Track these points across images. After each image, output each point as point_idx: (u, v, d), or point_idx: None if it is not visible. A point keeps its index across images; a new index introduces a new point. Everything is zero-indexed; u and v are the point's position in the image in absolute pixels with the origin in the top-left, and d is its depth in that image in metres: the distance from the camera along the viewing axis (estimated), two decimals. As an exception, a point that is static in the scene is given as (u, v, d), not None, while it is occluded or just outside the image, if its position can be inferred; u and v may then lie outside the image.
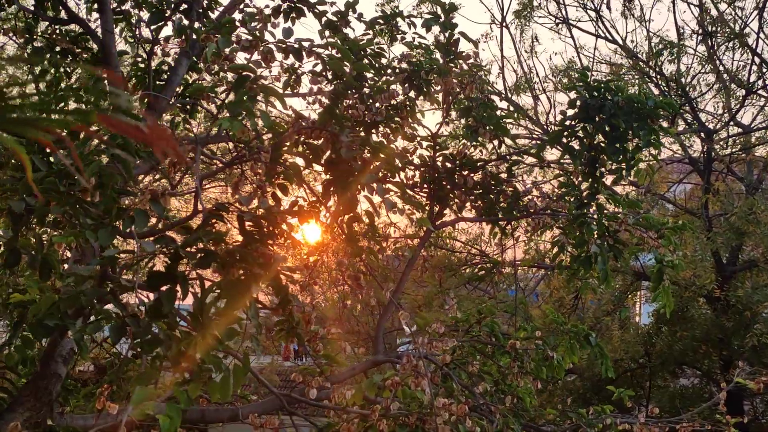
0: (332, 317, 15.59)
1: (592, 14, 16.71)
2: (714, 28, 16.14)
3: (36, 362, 5.49)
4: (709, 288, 14.16)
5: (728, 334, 14.22)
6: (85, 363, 10.33)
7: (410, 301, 15.74)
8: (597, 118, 5.74)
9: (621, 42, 16.70)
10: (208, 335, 3.68)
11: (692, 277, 14.00)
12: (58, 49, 6.51)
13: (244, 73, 4.27)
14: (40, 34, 6.50)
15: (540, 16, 17.18)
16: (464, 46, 6.11)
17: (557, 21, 17.07)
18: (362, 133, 5.34)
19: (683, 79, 16.19)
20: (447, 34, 5.96)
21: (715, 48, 16.28)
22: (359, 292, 5.13)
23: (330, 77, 5.63)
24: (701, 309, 15.40)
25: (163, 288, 3.74)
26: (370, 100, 5.46)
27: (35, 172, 3.99)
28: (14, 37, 6.46)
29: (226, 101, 4.50)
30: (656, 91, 15.88)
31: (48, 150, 4.55)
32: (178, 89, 6.34)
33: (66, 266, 4.67)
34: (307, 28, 7.91)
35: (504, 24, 16.91)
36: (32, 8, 6.26)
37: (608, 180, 6.10)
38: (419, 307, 15.35)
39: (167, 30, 6.19)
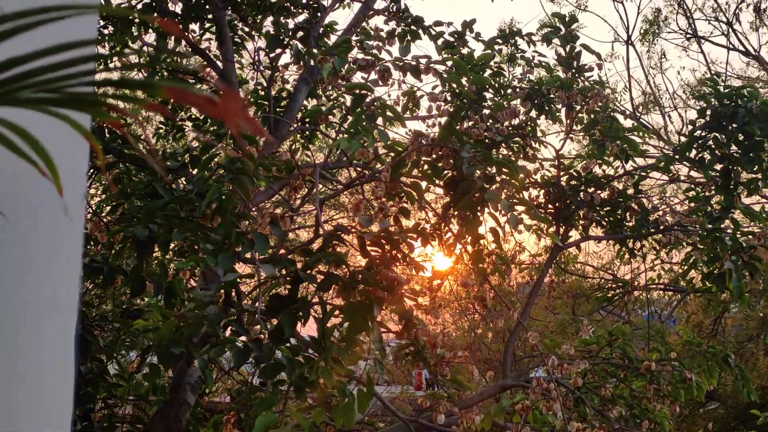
0: (463, 345, 15.48)
1: (724, 27, 16.18)
2: None
3: (166, 391, 5.55)
4: None
5: None
6: (221, 394, 10.49)
7: (542, 327, 15.43)
8: (729, 127, 5.47)
9: (755, 53, 16.09)
10: (331, 360, 3.61)
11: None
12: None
13: (362, 92, 4.23)
14: (162, 67, 6.64)
15: (668, 32, 16.74)
16: (587, 60, 5.92)
17: (687, 35, 16.58)
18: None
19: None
20: (568, 48, 5.80)
21: None
22: (485, 314, 4.99)
23: (449, 98, 5.54)
24: None
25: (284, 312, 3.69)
26: (490, 120, 5.35)
27: (157, 199, 4.02)
28: (141, 72, 6.63)
29: (345, 124, 4.47)
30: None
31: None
32: (298, 115, 6.37)
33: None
34: (423, 50, 7.87)
35: (629, 42, 16.54)
36: (155, 43, 6.40)
37: (743, 193, 5.81)
38: (552, 334, 15.04)
39: (286, 57, 6.24)
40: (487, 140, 5.32)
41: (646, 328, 8.93)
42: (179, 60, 6.83)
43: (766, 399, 13.87)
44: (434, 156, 4.31)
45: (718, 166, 5.72)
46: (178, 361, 4.25)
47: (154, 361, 5.11)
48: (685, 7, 16.48)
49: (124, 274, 4.38)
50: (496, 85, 6.05)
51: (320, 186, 4.31)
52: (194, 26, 6.80)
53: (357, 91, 4.19)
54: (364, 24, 6.23)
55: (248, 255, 3.84)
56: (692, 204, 6.14)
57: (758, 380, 13.82)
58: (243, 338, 3.80)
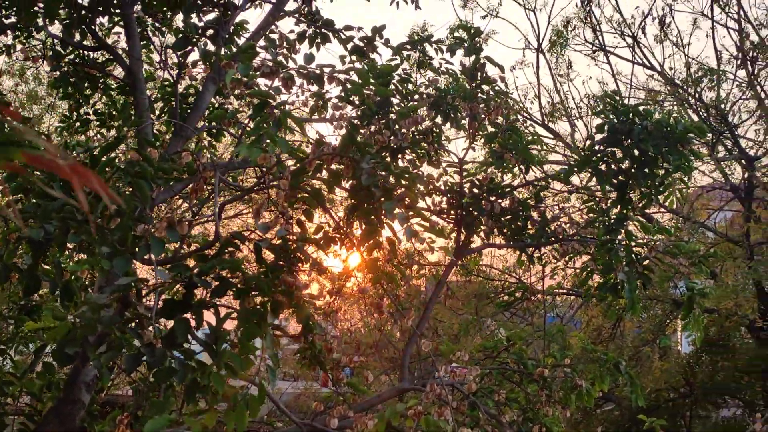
0: (369, 344, 15.56)
1: (629, 40, 16.60)
2: (755, 54, 15.95)
3: (60, 388, 5.49)
4: (751, 317, 13.89)
5: (771, 364, 13.95)
6: (123, 387, 10.36)
7: (446, 329, 15.63)
8: (625, 143, 5.64)
9: (659, 68, 16.55)
10: (223, 365, 3.63)
11: (734, 306, 13.73)
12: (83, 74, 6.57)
13: (265, 99, 4.25)
14: (67, 60, 6.55)
15: (576, 44, 17.10)
16: (492, 72, 6.03)
17: (594, 48, 16.97)
18: (387, 159, 5.29)
19: (723, 105, 15.99)
20: (473, 59, 5.90)
21: (756, 73, 16.07)
22: (382, 319, 5.06)
23: (356, 102, 5.59)
24: (743, 339, 15.12)
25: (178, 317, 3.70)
26: (396, 126, 5.42)
27: (54, 201, 3.98)
28: (42, 64, 6.52)
29: (247, 129, 4.48)
30: (696, 118, 15.69)
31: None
32: (205, 113, 6.35)
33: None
34: (331, 54, 7.90)
35: (540, 50, 16.83)
36: (60, 34, 6.30)
37: (638, 206, 5.99)
38: (456, 335, 15.23)
39: (195, 54, 6.21)
40: (392, 146, 5.39)
41: (547, 331, 9.11)
42: (85, 54, 6.73)
43: (659, 402, 14.29)
44: (335, 165, 4.36)
45: (615, 180, 5.89)
46: (73, 360, 4.22)
47: (49, 359, 5.07)
48: (594, 19, 16.86)
49: (20, 271, 4.33)
50: (403, 91, 6.11)
51: (221, 189, 4.33)
52: (103, 20, 6.73)
53: (260, 98, 4.21)
54: (273, 27, 6.22)
55: (147, 257, 3.85)
56: (591, 215, 6.30)
57: (653, 384, 14.22)
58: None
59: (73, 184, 0.95)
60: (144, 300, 4.01)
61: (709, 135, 15.00)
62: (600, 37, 16.95)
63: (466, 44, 5.88)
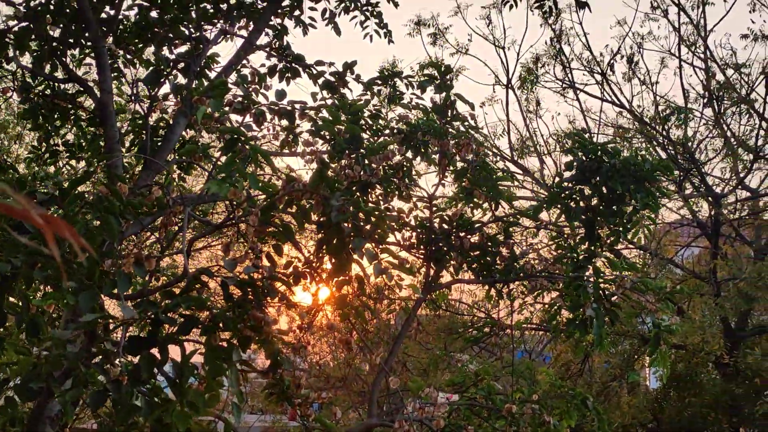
0: (337, 378, 15.49)
1: (599, 77, 16.80)
2: (721, 93, 16.19)
3: (24, 423, 5.41)
4: (717, 353, 13.97)
5: (738, 400, 14.01)
6: (88, 421, 10.23)
7: (415, 363, 15.59)
8: (594, 181, 5.69)
9: (627, 105, 16.75)
10: (187, 404, 3.60)
11: (701, 342, 13.81)
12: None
13: (236, 136, 4.25)
14: (37, 92, 6.53)
15: (546, 81, 17.27)
16: (462, 108, 6.06)
17: (563, 85, 17.15)
18: (358, 194, 5.30)
19: (690, 143, 16.19)
20: (443, 96, 5.94)
21: (722, 112, 16.31)
22: (351, 355, 5.05)
23: (327, 137, 5.61)
24: (710, 375, 15.20)
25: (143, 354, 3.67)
26: (366, 161, 5.43)
27: (23, 234, 3.95)
28: (12, 95, 6.49)
29: (218, 164, 4.48)
30: (663, 155, 15.87)
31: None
32: (175, 147, 6.34)
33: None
34: (302, 88, 7.91)
35: (509, 86, 16.98)
36: (30, 66, 6.28)
37: (606, 242, 6.03)
38: (425, 370, 15.19)
39: (166, 87, 6.21)
40: (362, 180, 5.40)
41: (515, 366, 9.11)
42: (56, 85, 6.71)
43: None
44: (305, 202, 4.36)
45: (584, 216, 5.93)
46: (37, 396, 4.17)
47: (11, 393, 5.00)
48: (563, 57, 17.06)
49: (-16, 305, 4.28)
50: (374, 127, 6.13)
51: (190, 223, 4.32)
52: (74, 51, 6.71)
53: (230, 134, 4.21)
54: (244, 61, 6.24)
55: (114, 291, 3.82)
56: (559, 251, 6.33)
57: (621, 419, 14.24)
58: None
59: (46, 234, 0.95)
60: (111, 334, 3.98)
61: (677, 172, 15.16)
62: (569, 74, 17.15)
63: (437, 81, 5.92)
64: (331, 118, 4.91)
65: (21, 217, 0.97)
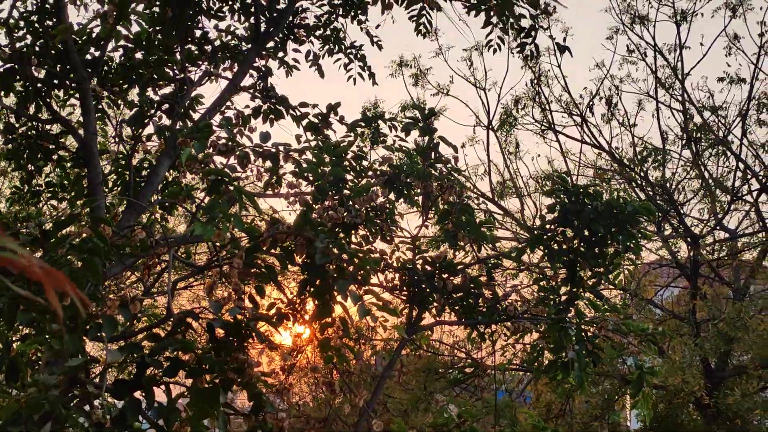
0: (318, 419, 15.35)
1: (578, 119, 16.97)
2: (698, 135, 16.38)
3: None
4: (698, 394, 13.97)
5: (719, 441, 14.01)
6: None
7: (395, 404, 15.50)
8: (576, 223, 5.73)
9: (606, 147, 16.91)
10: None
11: (681, 383, 13.82)
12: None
13: (220, 178, 4.27)
14: (20, 132, 6.52)
15: (526, 123, 17.42)
16: (444, 150, 6.11)
17: (543, 127, 17.31)
18: (341, 235, 5.32)
19: (669, 185, 16.34)
20: (426, 139, 5.98)
21: (700, 154, 16.49)
22: (334, 397, 5.04)
23: (311, 179, 5.63)
24: (691, 415, 15.19)
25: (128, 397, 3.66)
26: (350, 202, 5.45)
27: (7, 276, 3.93)
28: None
29: (202, 205, 4.49)
30: (642, 196, 16.01)
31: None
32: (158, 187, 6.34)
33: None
34: (285, 130, 7.94)
35: (490, 127, 17.11)
36: (14, 106, 6.29)
37: (588, 284, 6.06)
38: (405, 411, 15.11)
39: (150, 128, 6.22)
40: (346, 221, 5.41)
41: (497, 407, 9.11)
42: (39, 126, 6.71)
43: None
44: (289, 243, 4.37)
45: (566, 258, 5.96)
46: (16, 438, 4.13)
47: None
48: (543, 98, 17.23)
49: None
50: (357, 168, 6.15)
51: (174, 266, 4.32)
52: (58, 92, 6.72)
53: (215, 176, 4.23)
54: (228, 103, 6.28)
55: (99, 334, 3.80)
56: (541, 293, 6.35)
57: (602, 460, 14.21)
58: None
59: (45, 287, 0.97)
60: (93, 377, 3.96)
61: (656, 213, 15.28)
62: (549, 116, 17.30)
63: (420, 124, 5.97)
64: (315, 160, 4.94)
65: (22, 270, 0.99)
